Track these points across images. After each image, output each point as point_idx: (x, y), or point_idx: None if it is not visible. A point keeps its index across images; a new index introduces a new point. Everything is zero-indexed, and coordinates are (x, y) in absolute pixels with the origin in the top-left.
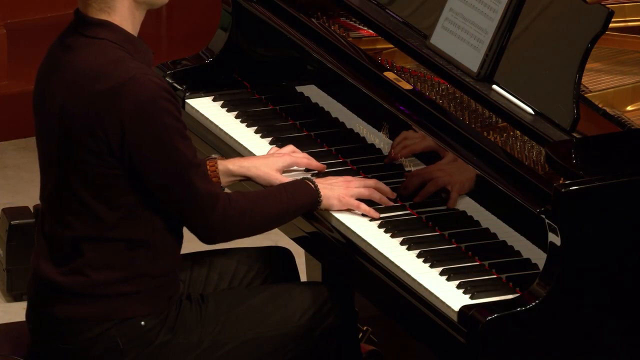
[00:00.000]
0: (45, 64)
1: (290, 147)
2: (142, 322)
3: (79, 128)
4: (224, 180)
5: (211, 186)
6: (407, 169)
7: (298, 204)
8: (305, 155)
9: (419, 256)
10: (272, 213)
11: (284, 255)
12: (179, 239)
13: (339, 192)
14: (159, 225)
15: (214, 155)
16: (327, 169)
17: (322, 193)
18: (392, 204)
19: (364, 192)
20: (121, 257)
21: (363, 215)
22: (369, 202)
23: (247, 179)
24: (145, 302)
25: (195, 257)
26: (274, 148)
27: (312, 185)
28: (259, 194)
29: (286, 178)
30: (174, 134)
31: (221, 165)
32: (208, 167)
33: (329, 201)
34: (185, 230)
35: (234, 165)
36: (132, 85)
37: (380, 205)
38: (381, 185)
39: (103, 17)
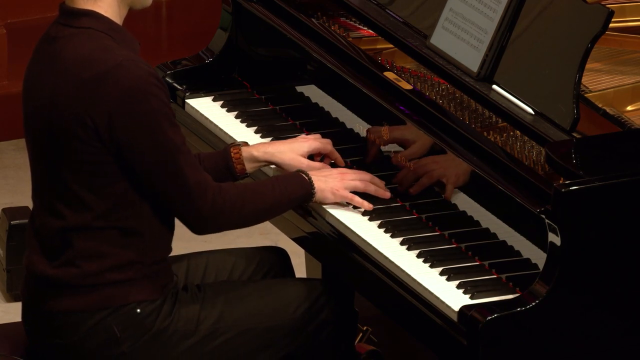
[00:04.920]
0: (33, 59)
1: (316, 135)
2: (138, 310)
3: (68, 116)
4: (248, 167)
5: (200, 175)
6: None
7: (291, 197)
8: (329, 141)
9: (419, 256)
10: (264, 205)
11: (280, 255)
12: (170, 227)
13: (333, 184)
14: (149, 214)
15: (238, 142)
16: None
17: (315, 185)
18: (389, 194)
19: (359, 185)
20: (112, 245)
21: (363, 214)
22: (370, 197)
23: (272, 164)
24: (138, 289)
25: (192, 257)
26: (302, 135)
27: (306, 178)
28: (251, 186)
29: (312, 162)
30: (162, 120)
31: (245, 151)
32: (232, 153)
33: (323, 194)
34: (180, 229)
35: (258, 151)
36: (119, 71)
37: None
38: (376, 179)
39: (88, 6)
